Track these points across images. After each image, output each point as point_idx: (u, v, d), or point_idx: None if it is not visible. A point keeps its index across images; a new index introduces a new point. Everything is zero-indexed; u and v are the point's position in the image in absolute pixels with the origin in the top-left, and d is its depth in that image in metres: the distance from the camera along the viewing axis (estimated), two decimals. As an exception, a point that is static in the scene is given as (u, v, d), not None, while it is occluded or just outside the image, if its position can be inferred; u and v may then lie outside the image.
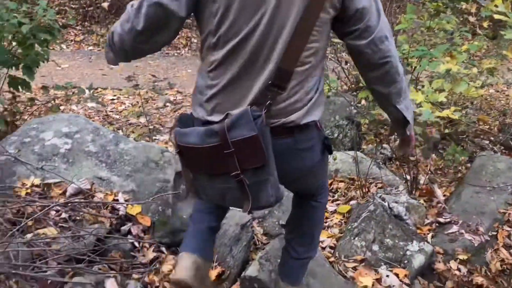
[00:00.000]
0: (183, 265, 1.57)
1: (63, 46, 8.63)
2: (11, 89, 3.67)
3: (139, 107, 5.24)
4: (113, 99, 5.90)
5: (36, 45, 3.32)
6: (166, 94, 6.17)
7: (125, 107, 5.70)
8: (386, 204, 2.78)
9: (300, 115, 1.35)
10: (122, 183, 2.39)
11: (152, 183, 2.41)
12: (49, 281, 1.67)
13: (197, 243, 1.65)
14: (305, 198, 1.76)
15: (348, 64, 4.72)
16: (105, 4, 7.23)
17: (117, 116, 5.30)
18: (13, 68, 3.42)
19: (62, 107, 5.10)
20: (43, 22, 3.23)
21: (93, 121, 5.04)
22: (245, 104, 1.32)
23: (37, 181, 2.34)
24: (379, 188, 3.24)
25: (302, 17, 1.28)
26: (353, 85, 4.69)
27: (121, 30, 1.36)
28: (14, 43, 3.39)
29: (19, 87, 3.57)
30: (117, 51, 1.42)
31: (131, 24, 1.32)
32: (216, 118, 1.36)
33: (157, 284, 2.14)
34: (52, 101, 4.50)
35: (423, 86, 2.81)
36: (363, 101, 3.87)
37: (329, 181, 3.17)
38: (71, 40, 8.97)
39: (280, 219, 2.64)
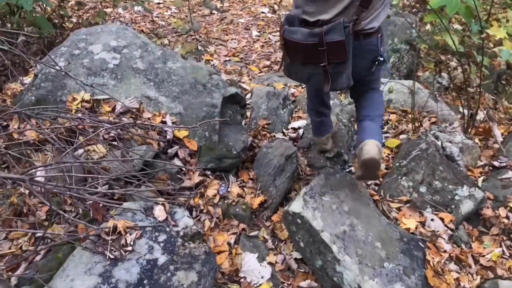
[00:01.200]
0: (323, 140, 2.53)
1: None
2: (58, -9, 3.58)
3: (188, 21, 5.03)
4: (159, 3, 5.69)
5: None
6: (213, 0, 5.88)
7: (171, 12, 5.51)
8: (439, 143, 2.64)
9: (366, 23, 1.84)
10: (169, 105, 2.36)
11: (199, 107, 2.35)
12: (100, 205, 1.72)
13: (323, 130, 2.50)
14: (363, 91, 2.14)
15: (414, -22, 4.24)
16: None
17: (163, 23, 5.14)
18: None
19: (109, 10, 4.98)
20: None
21: (138, 27, 4.94)
22: (335, 12, 1.81)
23: (87, 96, 2.34)
24: (432, 123, 3.07)
25: None
26: (417, 4, 4.24)
27: None
28: None
29: (66, -10, 3.47)
30: None
31: None
32: (311, 19, 1.88)
33: (202, 207, 2.20)
34: (99, 5, 4.38)
35: (507, 22, 2.45)
36: (428, 26, 3.51)
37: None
38: None
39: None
